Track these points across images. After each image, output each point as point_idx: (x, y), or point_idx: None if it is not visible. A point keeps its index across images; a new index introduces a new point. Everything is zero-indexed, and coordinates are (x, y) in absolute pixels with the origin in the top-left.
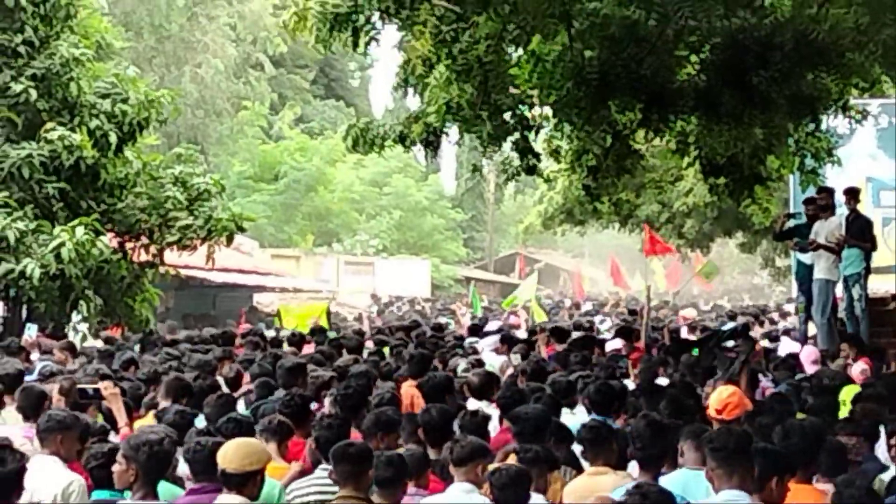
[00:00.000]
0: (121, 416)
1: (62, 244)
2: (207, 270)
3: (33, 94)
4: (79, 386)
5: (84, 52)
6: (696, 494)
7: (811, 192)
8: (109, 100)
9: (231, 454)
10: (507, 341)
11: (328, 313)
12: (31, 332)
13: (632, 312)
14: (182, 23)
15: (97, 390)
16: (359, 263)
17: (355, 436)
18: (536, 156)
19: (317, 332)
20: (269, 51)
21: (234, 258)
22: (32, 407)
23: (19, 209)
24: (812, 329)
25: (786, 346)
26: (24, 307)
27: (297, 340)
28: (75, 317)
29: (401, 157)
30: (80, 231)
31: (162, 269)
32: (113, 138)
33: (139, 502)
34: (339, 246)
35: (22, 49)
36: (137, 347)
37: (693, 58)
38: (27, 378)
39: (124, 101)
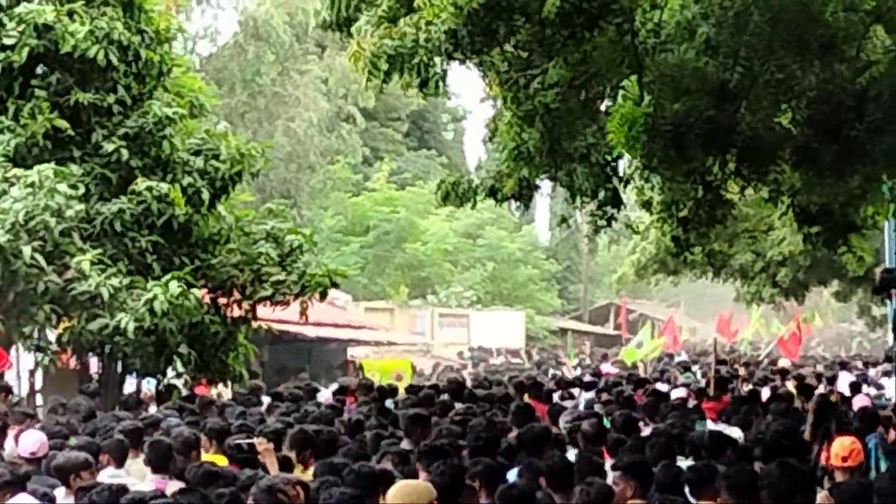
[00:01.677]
0: (273, 470)
1: (155, 297)
2: (301, 325)
3: (125, 153)
4: (235, 441)
5: (177, 111)
6: None
7: None
8: (202, 157)
9: (395, 492)
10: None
11: (413, 368)
12: (149, 385)
13: (720, 362)
14: (273, 77)
15: (252, 445)
16: (453, 315)
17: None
18: (618, 207)
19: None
20: (361, 104)
21: (328, 312)
22: (161, 459)
23: (113, 265)
24: None
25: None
26: (120, 363)
27: (390, 391)
28: (170, 372)
29: (494, 208)
30: (173, 285)
31: (255, 325)
32: (206, 195)
33: None
34: (433, 298)
35: (115, 108)
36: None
37: (787, 112)
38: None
39: (216, 156)
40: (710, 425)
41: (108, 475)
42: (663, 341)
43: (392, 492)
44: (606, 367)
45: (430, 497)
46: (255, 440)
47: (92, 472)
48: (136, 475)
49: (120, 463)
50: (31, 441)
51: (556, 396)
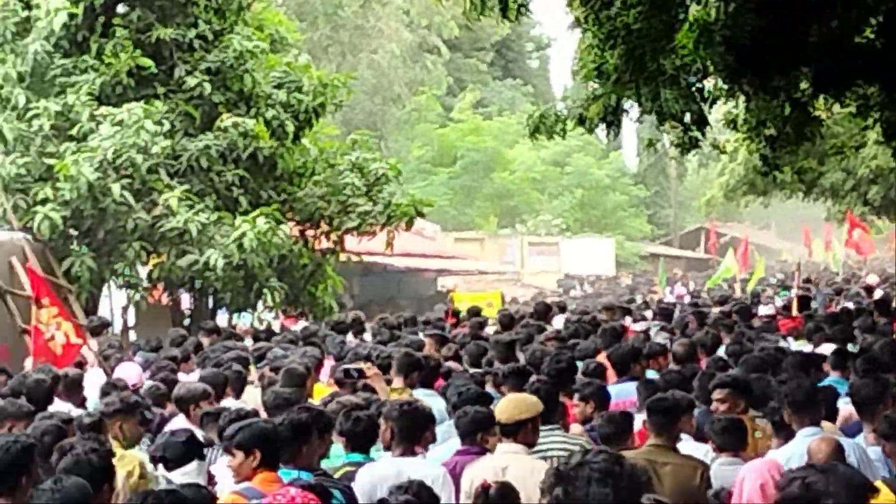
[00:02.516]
0: (383, 394)
1: (244, 234)
2: (390, 256)
3: (207, 87)
4: (343, 366)
5: (258, 45)
6: None
7: None
8: (284, 89)
9: (503, 407)
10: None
11: (503, 298)
12: (244, 319)
13: (807, 281)
14: (355, 10)
15: (360, 370)
16: (543, 244)
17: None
18: (704, 128)
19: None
20: (444, 35)
21: (417, 243)
22: (297, 386)
23: (200, 201)
24: None
25: None
26: (210, 298)
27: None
28: (260, 306)
29: (581, 136)
30: (261, 221)
31: (343, 256)
32: (290, 127)
33: (399, 458)
34: (522, 227)
35: (196, 43)
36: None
37: (868, 28)
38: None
39: (299, 89)
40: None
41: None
42: (736, 266)
43: (501, 406)
44: (678, 290)
45: (537, 409)
46: (363, 365)
47: (210, 401)
48: (253, 404)
49: (238, 394)
50: (131, 373)
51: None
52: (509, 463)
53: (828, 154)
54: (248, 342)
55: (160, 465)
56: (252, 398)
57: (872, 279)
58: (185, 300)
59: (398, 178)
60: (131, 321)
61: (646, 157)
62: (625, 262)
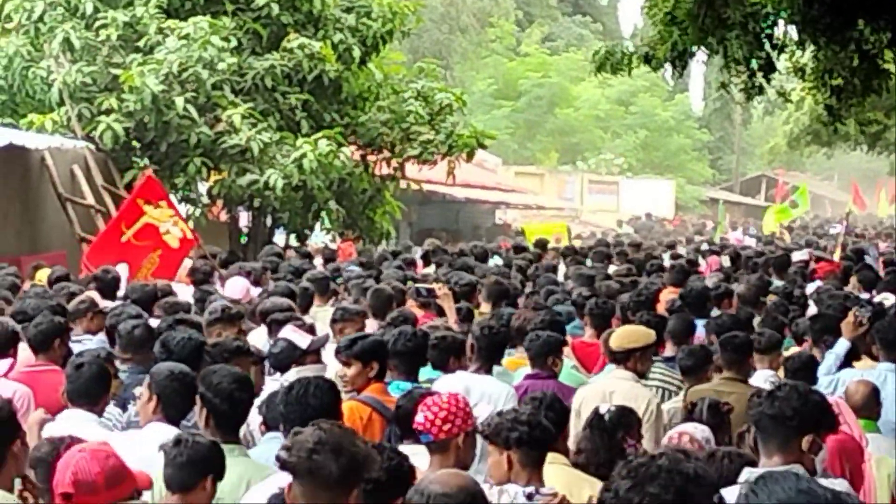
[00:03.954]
0: (451, 314)
1: (304, 155)
2: (450, 186)
3: (275, 7)
4: (416, 286)
5: None
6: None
7: None
8: (353, 14)
9: (617, 335)
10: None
11: (568, 231)
12: (317, 239)
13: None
14: None
15: (430, 290)
16: (603, 182)
17: None
18: (770, 74)
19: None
20: None
21: (477, 174)
22: (382, 307)
23: (263, 120)
24: None
25: None
26: (269, 217)
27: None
28: (317, 228)
29: (647, 76)
30: (322, 143)
31: (403, 184)
32: (356, 52)
33: (471, 374)
34: (583, 164)
35: None
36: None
37: None
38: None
39: (368, 14)
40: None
41: None
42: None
43: (615, 334)
44: (736, 235)
45: (648, 340)
46: (434, 286)
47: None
48: (322, 321)
49: (305, 309)
50: (237, 287)
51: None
52: (616, 388)
53: (894, 108)
54: (319, 261)
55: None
56: (322, 316)
57: None
58: (244, 218)
59: (462, 108)
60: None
61: (711, 101)
62: (684, 205)
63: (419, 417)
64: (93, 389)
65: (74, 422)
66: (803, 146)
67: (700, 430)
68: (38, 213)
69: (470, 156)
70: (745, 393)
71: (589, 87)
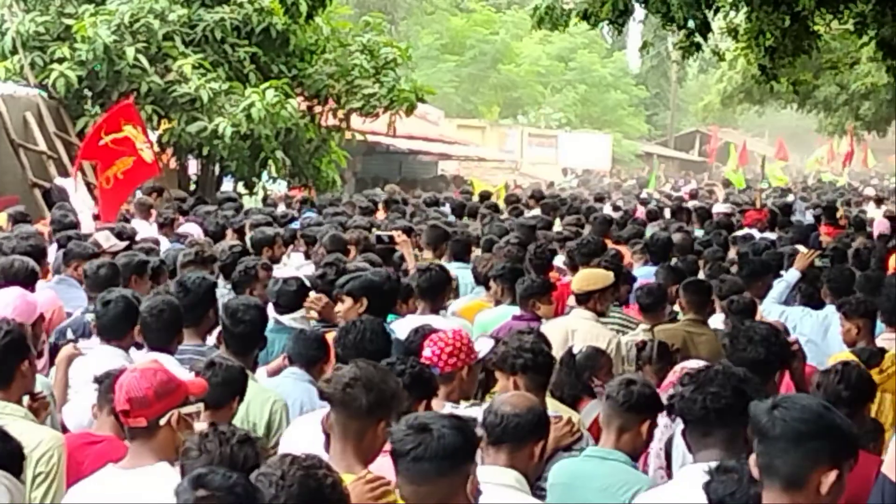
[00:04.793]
0: (410, 259)
1: (252, 104)
2: (393, 137)
3: None
4: (377, 233)
5: None
6: None
7: None
8: None
9: (578, 277)
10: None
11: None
12: (279, 187)
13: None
14: None
15: (391, 237)
16: (542, 136)
17: None
18: (706, 34)
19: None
20: None
21: (421, 126)
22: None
23: (212, 71)
24: None
25: None
26: (217, 165)
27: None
28: (264, 176)
29: (587, 33)
30: (270, 93)
31: (348, 135)
32: (304, 6)
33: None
34: (524, 118)
35: None
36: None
37: None
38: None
39: None
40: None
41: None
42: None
43: (577, 277)
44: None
45: (606, 282)
46: (393, 233)
47: (279, 246)
48: (294, 264)
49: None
50: (194, 230)
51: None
52: (578, 326)
53: (823, 68)
54: (281, 208)
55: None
56: (296, 259)
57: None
58: (193, 166)
59: (407, 63)
60: None
61: (648, 59)
62: (620, 158)
63: (426, 352)
64: (120, 325)
65: (103, 356)
66: (736, 104)
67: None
68: None
69: (409, 110)
70: (711, 335)
71: (531, 43)
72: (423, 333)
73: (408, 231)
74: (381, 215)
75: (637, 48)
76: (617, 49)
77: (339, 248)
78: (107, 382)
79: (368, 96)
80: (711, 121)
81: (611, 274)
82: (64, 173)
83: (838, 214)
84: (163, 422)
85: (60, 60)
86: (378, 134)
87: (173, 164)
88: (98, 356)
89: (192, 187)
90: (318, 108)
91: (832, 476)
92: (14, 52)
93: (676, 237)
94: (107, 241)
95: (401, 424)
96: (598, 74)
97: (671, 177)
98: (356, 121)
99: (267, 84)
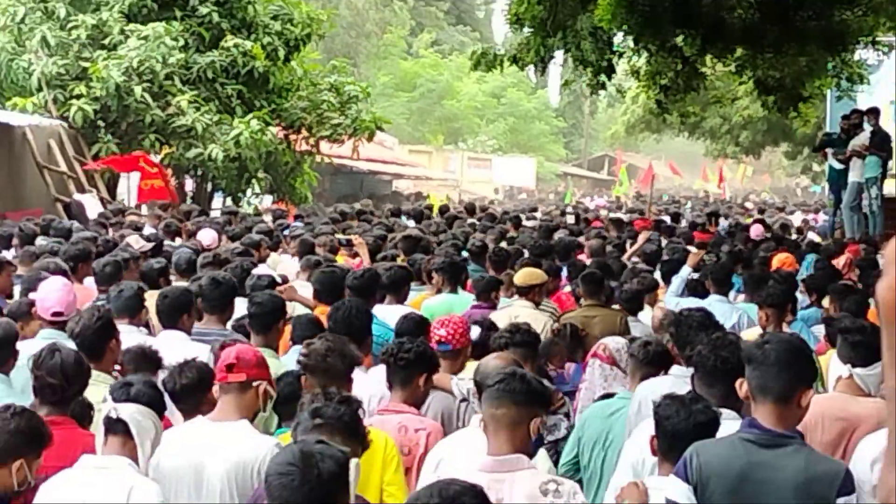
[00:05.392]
0: (366, 259)
1: (240, 133)
2: (356, 160)
3: (216, 16)
4: (337, 236)
5: None
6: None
7: (844, 108)
8: (279, 20)
9: (521, 273)
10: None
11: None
12: (266, 202)
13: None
14: None
15: (349, 240)
16: (479, 159)
17: None
18: (611, 75)
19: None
20: None
21: (379, 151)
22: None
23: (205, 105)
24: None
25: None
26: (210, 183)
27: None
28: (249, 192)
29: (515, 74)
30: (254, 123)
31: (319, 158)
32: (281, 52)
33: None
34: (464, 144)
35: None
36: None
37: None
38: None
39: (290, 21)
40: None
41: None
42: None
43: (520, 273)
44: (598, 201)
45: (543, 278)
46: (352, 237)
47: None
48: (274, 266)
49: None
50: (209, 236)
51: None
52: (521, 313)
53: (709, 102)
54: (268, 218)
55: None
56: (285, 259)
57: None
58: (189, 184)
59: (367, 98)
60: None
61: (566, 95)
62: (543, 178)
63: (441, 332)
64: (133, 306)
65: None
66: (638, 132)
67: (614, 341)
68: (20, 178)
69: (370, 136)
70: (606, 314)
71: (469, 83)
72: (412, 319)
73: (383, 238)
74: (354, 223)
75: (557, 86)
76: (540, 87)
77: (308, 251)
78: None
79: (335, 126)
80: (617, 146)
81: (544, 273)
82: (81, 190)
83: (709, 224)
84: (255, 384)
85: (78, 97)
86: (343, 157)
87: (173, 182)
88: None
89: (189, 201)
90: (293, 136)
91: (810, 394)
92: (39, 89)
93: (593, 242)
94: (136, 242)
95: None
96: (524, 108)
97: (586, 193)
98: (325, 146)
99: (251, 115)
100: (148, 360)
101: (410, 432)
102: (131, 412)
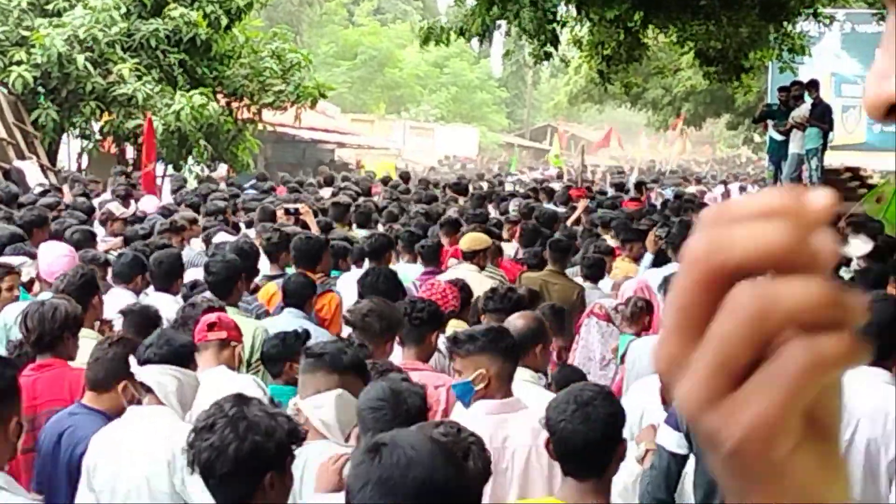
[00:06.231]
0: (313, 226)
1: (182, 108)
2: (298, 128)
3: None
4: (285, 206)
5: None
6: None
7: (786, 79)
8: None
9: (466, 238)
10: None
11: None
12: (221, 170)
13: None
14: None
15: (297, 209)
16: (421, 128)
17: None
18: (555, 45)
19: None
20: None
21: (321, 120)
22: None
23: (147, 74)
24: None
25: None
26: None
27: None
28: (190, 160)
29: (459, 44)
30: (197, 98)
31: (260, 126)
32: (223, 20)
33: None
34: (406, 114)
35: None
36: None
37: None
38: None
39: None
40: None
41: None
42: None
43: (465, 238)
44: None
45: (488, 243)
46: (299, 206)
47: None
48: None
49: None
50: (152, 203)
51: None
52: (466, 276)
53: (651, 74)
54: (223, 186)
55: None
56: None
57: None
58: (129, 151)
59: (308, 66)
60: (84, 164)
61: (509, 65)
62: (485, 148)
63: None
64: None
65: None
66: (580, 102)
67: (610, 301)
68: None
69: (313, 104)
70: (565, 285)
71: (412, 51)
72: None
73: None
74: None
75: (500, 56)
76: (483, 57)
77: (269, 218)
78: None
79: (278, 93)
80: (560, 116)
81: (489, 239)
82: (21, 157)
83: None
84: (233, 344)
85: (18, 63)
86: (285, 126)
87: (113, 149)
88: (115, 295)
89: (129, 168)
90: (235, 104)
91: None
92: None
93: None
94: (117, 209)
95: None
96: (467, 78)
97: (527, 163)
98: (267, 114)
99: (195, 91)
100: (148, 319)
101: (430, 389)
102: (150, 374)
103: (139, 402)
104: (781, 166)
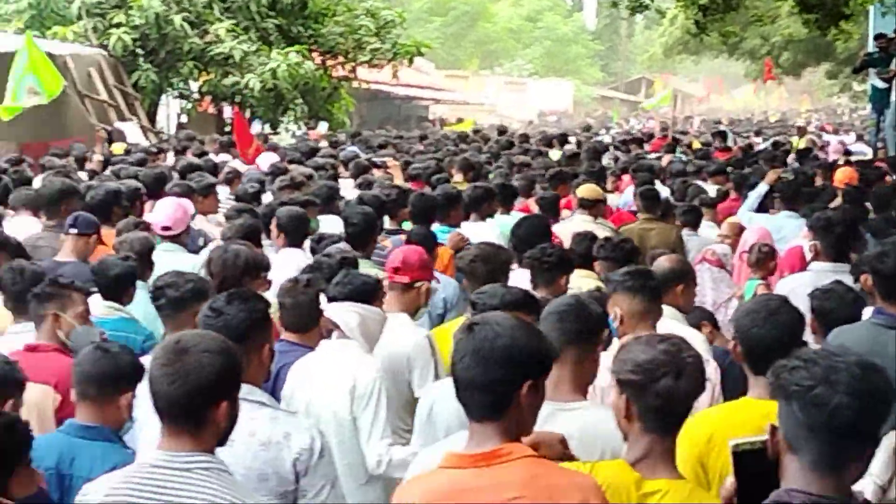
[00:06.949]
0: (398, 179)
1: (278, 66)
2: (392, 86)
3: None
4: (373, 158)
5: None
6: None
7: (888, 25)
8: None
9: (584, 188)
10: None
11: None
12: (321, 128)
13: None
14: None
15: (384, 162)
16: (515, 83)
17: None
18: None
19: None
20: None
21: (415, 76)
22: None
23: (244, 33)
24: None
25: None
26: (248, 110)
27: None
28: (285, 119)
29: None
30: (292, 55)
31: (355, 84)
32: None
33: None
34: (500, 69)
35: None
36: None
37: None
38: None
39: None
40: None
41: None
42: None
43: (583, 188)
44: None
45: (604, 195)
46: (387, 160)
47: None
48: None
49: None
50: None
51: None
52: (582, 226)
53: (749, 22)
54: (324, 144)
55: None
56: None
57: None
58: (227, 111)
59: (402, 23)
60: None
61: (602, 18)
62: (579, 101)
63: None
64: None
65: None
66: (675, 54)
67: (721, 247)
68: (61, 106)
69: (410, 61)
70: (662, 228)
71: (504, 6)
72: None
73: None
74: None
75: (594, 9)
76: (576, 10)
77: (362, 172)
78: None
79: (374, 51)
80: (655, 69)
81: (602, 190)
82: (122, 118)
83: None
84: (417, 284)
85: (118, 25)
86: (381, 83)
87: (211, 109)
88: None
89: (227, 129)
90: (330, 62)
91: None
92: (79, 18)
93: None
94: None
95: None
96: (560, 32)
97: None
98: (361, 72)
99: (293, 49)
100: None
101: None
102: (335, 311)
103: (329, 336)
104: (885, 114)
